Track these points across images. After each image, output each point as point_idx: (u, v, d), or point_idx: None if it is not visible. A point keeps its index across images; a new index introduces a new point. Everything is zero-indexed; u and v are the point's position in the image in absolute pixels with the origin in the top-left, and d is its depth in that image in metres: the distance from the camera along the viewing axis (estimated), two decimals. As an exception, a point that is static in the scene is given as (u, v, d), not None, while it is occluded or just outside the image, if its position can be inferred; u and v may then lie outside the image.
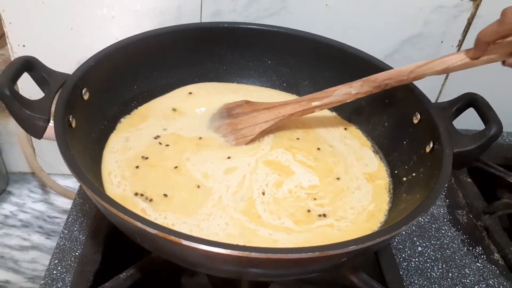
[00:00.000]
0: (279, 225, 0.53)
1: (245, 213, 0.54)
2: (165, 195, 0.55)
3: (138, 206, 0.53)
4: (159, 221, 0.51)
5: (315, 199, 0.57)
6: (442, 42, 0.80)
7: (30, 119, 0.49)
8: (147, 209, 0.53)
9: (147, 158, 0.59)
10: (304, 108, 0.62)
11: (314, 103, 0.61)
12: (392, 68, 0.64)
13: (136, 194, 0.54)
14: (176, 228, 0.50)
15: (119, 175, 0.56)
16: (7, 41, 0.75)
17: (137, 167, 0.58)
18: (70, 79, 0.54)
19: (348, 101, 0.61)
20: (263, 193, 0.56)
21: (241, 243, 0.45)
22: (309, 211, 0.55)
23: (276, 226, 0.53)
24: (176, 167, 0.58)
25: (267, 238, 0.51)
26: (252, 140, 0.62)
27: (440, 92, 0.86)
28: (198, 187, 0.56)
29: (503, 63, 0.53)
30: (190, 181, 0.57)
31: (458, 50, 0.81)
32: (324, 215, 0.55)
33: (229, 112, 0.65)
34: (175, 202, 0.54)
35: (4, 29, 0.73)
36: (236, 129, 0.63)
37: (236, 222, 0.52)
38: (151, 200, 0.54)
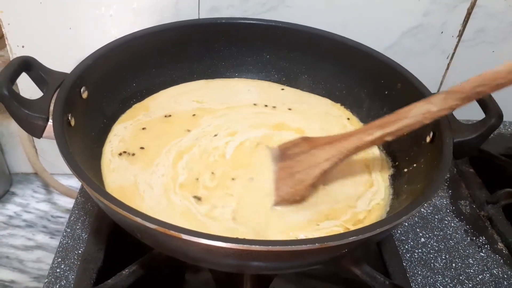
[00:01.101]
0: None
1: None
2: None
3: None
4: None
5: None
6: (442, 32, 0.80)
7: (29, 118, 0.49)
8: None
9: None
10: (373, 138, 0.51)
11: (385, 130, 0.50)
12: (392, 60, 0.64)
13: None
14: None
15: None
16: (6, 42, 0.75)
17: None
18: (68, 78, 0.54)
19: (429, 120, 0.49)
20: None
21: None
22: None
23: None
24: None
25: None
26: (312, 185, 0.52)
27: (441, 83, 0.85)
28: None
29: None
30: None
31: (459, 40, 0.81)
32: None
33: (287, 153, 0.56)
34: None
35: (3, 30, 0.73)
36: (293, 173, 0.53)
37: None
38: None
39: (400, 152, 0.61)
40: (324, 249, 0.40)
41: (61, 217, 0.86)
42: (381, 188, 0.58)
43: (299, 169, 0.53)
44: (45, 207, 0.87)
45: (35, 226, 0.84)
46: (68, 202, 0.88)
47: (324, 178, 0.53)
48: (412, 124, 0.50)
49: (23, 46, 0.75)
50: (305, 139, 0.55)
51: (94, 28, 0.74)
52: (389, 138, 0.51)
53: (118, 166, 0.57)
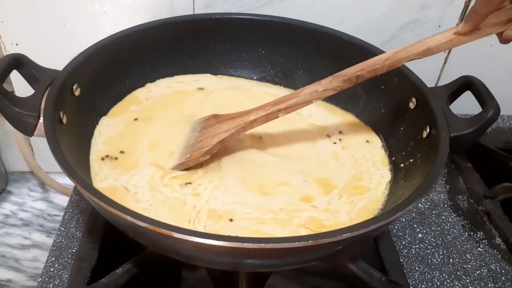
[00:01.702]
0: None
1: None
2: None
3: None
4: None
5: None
6: (439, 26, 0.79)
7: (20, 116, 0.49)
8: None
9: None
10: (267, 113, 0.56)
11: (279, 106, 0.56)
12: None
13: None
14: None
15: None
16: (0, 40, 0.74)
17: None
18: (60, 75, 0.53)
19: (315, 100, 0.55)
20: None
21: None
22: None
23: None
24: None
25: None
26: (208, 152, 0.57)
27: (438, 78, 0.85)
28: None
29: (500, 36, 0.49)
30: None
31: (456, 34, 0.80)
32: None
33: (197, 128, 0.62)
34: None
35: (-4, 28, 0.73)
36: (196, 142, 0.59)
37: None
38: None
39: (396, 148, 0.60)
40: (318, 246, 0.40)
41: (57, 215, 0.85)
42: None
43: (202, 138, 0.59)
44: (41, 206, 0.87)
45: (31, 224, 0.83)
46: (65, 201, 0.87)
47: (221, 146, 0.58)
48: (302, 102, 0.56)
49: (17, 44, 0.74)
50: (215, 116, 0.61)
51: (88, 25, 0.74)
52: (281, 114, 0.56)
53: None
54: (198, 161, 0.57)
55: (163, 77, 0.69)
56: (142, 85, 0.67)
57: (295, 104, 0.56)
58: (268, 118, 0.57)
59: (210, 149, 0.57)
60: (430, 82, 0.60)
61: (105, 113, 0.62)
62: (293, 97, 0.56)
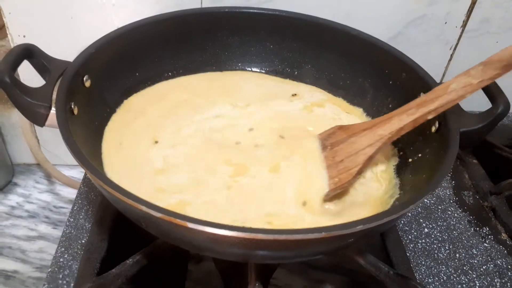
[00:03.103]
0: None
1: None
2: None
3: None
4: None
5: None
6: (446, 23, 0.79)
7: (32, 106, 0.49)
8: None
9: None
10: (415, 117, 0.50)
11: (428, 108, 0.49)
12: (397, 50, 0.63)
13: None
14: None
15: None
16: (8, 32, 0.74)
17: None
18: (71, 66, 0.53)
19: (469, 94, 0.48)
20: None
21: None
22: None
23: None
24: None
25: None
26: (359, 172, 0.51)
27: (444, 74, 0.85)
28: None
29: None
30: None
31: (462, 31, 0.80)
32: None
33: (325, 144, 0.55)
34: None
35: (4, 19, 0.72)
36: (335, 163, 0.52)
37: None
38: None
39: (405, 142, 0.61)
40: (330, 238, 0.40)
41: (63, 207, 0.86)
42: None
43: (342, 158, 0.52)
44: (47, 198, 0.87)
45: (37, 216, 0.83)
46: (71, 193, 0.88)
47: (370, 163, 0.52)
48: (454, 99, 0.49)
49: (24, 36, 0.74)
50: (341, 128, 0.54)
51: (96, 18, 0.74)
52: (430, 116, 0.50)
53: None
54: (351, 184, 0.52)
55: (171, 70, 0.69)
56: (150, 78, 0.67)
57: (447, 102, 0.49)
58: (416, 122, 0.51)
59: (360, 168, 0.51)
60: (435, 78, 0.60)
61: (114, 105, 0.62)
62: (441, 95, 0.49)
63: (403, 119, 0.51)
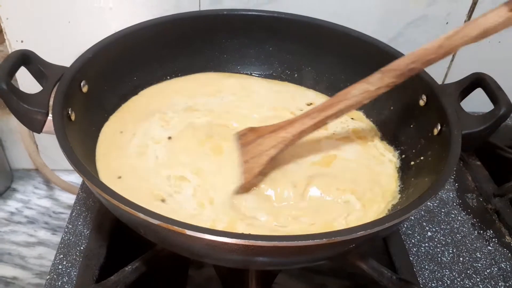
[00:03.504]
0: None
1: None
2: None
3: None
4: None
5: None
6: (447, 23, 0.78)
7: (28, 113, 0.48)
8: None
9: None
10: (316, 121, 0.52)
11: (327, 113, 0.52)
12: (398, 51, 0.63)
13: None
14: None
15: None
16: (5, 37, 0.74)
17: None
18: (68, 71, 0.53)
19: (368, 100, 0.51)
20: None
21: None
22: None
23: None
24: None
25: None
26: (261, 173, 0.54)
27: (446, 75, 0.84)
28: None
29: None
30: None
31: (464, 31, 0.79)
32: None
33: (238, 143, 0.57)
34: None
35: (2, 25, 0.72)
36: (244, 162, 0.54)
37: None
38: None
39: (406, 145, 0.60)
40: (332, 244, 0.39)
41: (62, 213, 0.85)
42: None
43: (247, 158, 0.54)
44: (46, 203, 0.87)
45: (36, 222, 0.83)
46: (70, 198, 0.87)
47: (272, 164, 0.54)
48: (353, 104, 0.52)
49: (22, 41, 0.74)
50: (251, 130, 0.56)
51: (93, 22, 0.73)
52: (330, 120, 0.53)
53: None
54: (253, 184, 0.54)
55: (170, 74, 0.69)
56: (149, 82, 0.67)
57: (346, 107, 0.52)
58: (316, 126, 0.53)
59: (262, 169, 0.53)
60: (437, 79, 0.59)
61: (112, 110, 0.62)
62: (341, 100, 0.52)
63: (305, 122, 0.53)
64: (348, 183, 0.55)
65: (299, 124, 0.53)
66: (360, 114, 0.67)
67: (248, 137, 0.56)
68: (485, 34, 0.46)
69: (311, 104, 0.67)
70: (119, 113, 0.62)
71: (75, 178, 0.88)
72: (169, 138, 0.59)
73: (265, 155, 0.53)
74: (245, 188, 0.54)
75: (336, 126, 0.64)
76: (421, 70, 0.51)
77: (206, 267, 0.67)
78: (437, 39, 0.48)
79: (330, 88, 0.70)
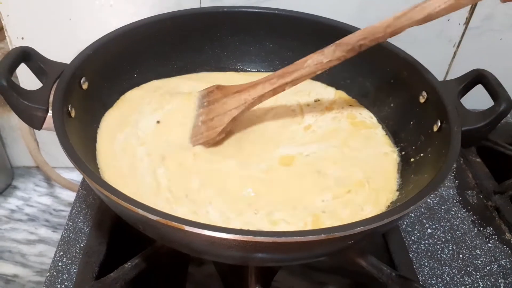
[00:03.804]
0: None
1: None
2: None
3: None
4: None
5: None
6: (448, 20, 0.78)
7: (28, 109, 0.48)
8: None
9: None
10: (274, 87, 0.55)
11: (285, 80, 0.55)
12: (397, 47, 0.63)
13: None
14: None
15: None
16: (6, 34, 0.74)
17: None
18: (68, 68, 0.53)
19: (321, 71, 0.55)
20: None
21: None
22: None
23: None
24: None
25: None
26: (223, 131, 0.57)
27: (447, 72, 0.84)
28: None
29: None
30: None
31: (466, 28, 0.79)
32: None
33: (203, 101, 0.60)
34: None
35: (2, 22, 0.72)
36: (207, 120, 0.58)
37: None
38: None
39: (406, 142, 0.60)
40: (330, 239, 0.39)
41: (63, 210, 0.85)
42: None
43: (212, 116, 0.57)
44: (47, 201, 0.87)
45: (37, 220, 0.83)
46: (70, 196, 0.87)
47: (234, 124, 0.57)
48: (307, 74, 0.55)
49: (22, 38, 0.74)
50: (219, 88, 0.59)
51: (94, 19, 0.73)
52: (288, 87, 0.56)
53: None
54: (215, 141, 0.57)
55: (169, 71, 0.69)
56: (149, 79, 0.67)
57: (301, 76, 0.55)
58: (275, 91, 0.56)
59: (224, 128, 0.56)
60: (439, 76, 0.59)
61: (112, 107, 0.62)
62: (297, 69, 0.55)
63: (265, 87, 0.56)
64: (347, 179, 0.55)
65: (260, 87, 0.56)
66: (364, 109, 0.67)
67: (215, 95, 0.59)
68: (429, 17, 0.49)
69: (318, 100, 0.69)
70: (117, 108, 0.62)
71: (76, 176, 0.88)
72: (158, 122, 0.60)
73: (228, 114, 0.56)
74: (208, 145, 0.57)
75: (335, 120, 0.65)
76: (369, 46, 0.53)
77: (206, 264, 0.67)
78: (386, 19, 0.51)
79: (331, 84, 0.70)
